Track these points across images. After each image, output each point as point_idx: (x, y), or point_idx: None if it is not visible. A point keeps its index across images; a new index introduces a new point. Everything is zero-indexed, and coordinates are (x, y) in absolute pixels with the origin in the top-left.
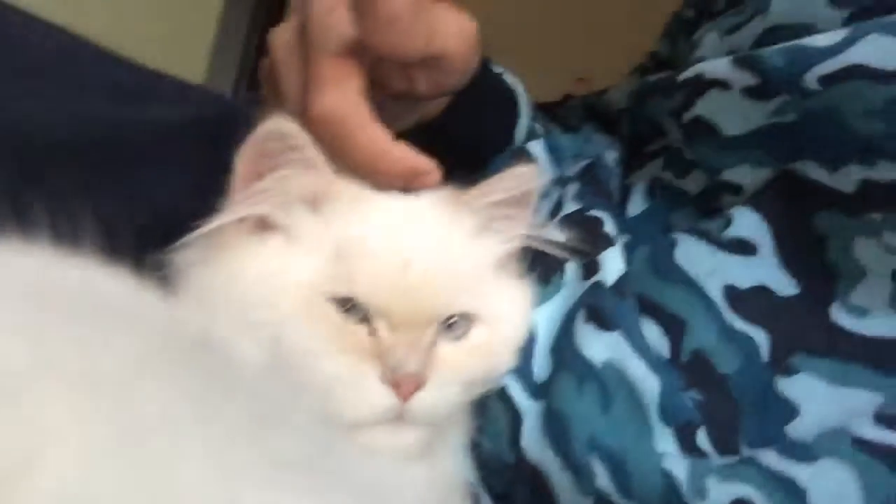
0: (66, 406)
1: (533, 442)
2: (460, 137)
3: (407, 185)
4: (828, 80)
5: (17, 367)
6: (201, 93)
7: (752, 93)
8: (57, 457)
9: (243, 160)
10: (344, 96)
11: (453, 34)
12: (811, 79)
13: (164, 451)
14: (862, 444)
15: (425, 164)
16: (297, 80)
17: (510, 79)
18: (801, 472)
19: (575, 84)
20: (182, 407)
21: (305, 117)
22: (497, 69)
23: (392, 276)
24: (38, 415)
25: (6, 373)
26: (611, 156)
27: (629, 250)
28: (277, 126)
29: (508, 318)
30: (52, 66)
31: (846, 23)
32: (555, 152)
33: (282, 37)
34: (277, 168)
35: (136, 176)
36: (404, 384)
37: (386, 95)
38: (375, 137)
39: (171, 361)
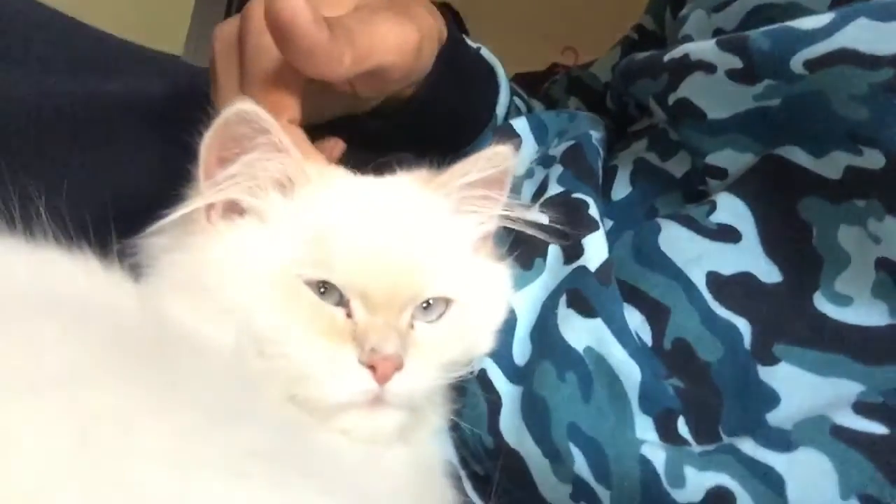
0: (13, 404)
1: (511, 427)
2: (441, 113)
3: None
4: (814, 64)
5: None
6: (177, 65)
7: (737, 76)
8: (8, 452)
9: (210, 144)
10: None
11: (391, 48)
12: (797, 63)
13: (118, 449)
14: (840, 433)
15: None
16: (229, 78)
17: (488, 54)
18: (778, 461)
19: (562, 53)
20: (138, 401)
21: None
22: (474, 45)
23: (368, 259)
24: None
25: None
26: (595, 135)
27: (613, 235)
28: (244, 109)
29: (486, 300)
30: (17, 39)
31: (833, 4)
32: (539, 129)
33: (224, 31)
34: (246, 152)
35: (103, 151)
36: (382, 366)
37: (329, 93)
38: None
39: (130, 352)
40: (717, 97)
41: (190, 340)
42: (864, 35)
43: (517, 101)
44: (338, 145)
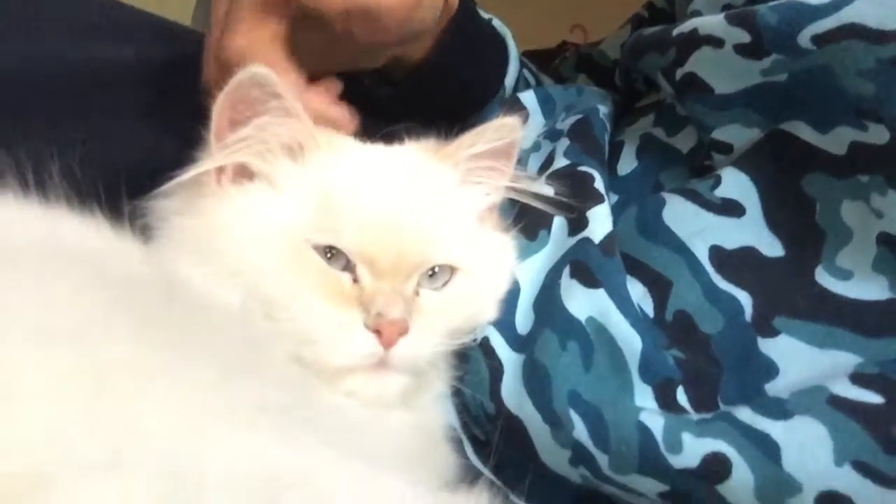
0: (28, 355)
1: (513, 393)
2: (450, 80)
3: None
4: (821, 39)
5: None
6: (186, 33)
7: (744, 51)
8: (27, 398)
9: (222, 107)
10: (256, 40)
11: None
12: (804, 38)
13: (132, 395)
14: (837, 403)
15: (336, 115)
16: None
17: (499, 25)
18: (775, 428)
19: (570, 31)
20: (152, 352)
21: (219, 60)
22: (486, 15)
23: (376, 226)
24: (4, 362)
25: None
26: (603, 110)
27: (618, 209)
28: (256, 73)
29: (490, 270)
30: (28, 7)
31: None
32: (546, 103)
33: None
34: (257, 116)
35: (110, 117)
36: (387, 331)
37: (334, 37)
38: (285, 81)
39: (143, 309)
40: (724, 72)
41: (199, 300)
42: (871, 10)
43: (526, 74)
44: (346, 125)
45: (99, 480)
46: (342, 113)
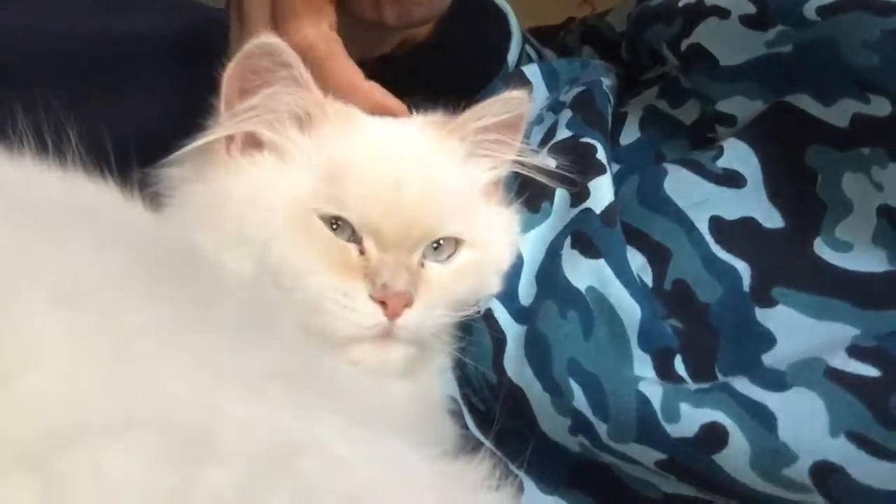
0: (49, 315)
1: (515, 363)
2: (452, 57)
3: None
4: (826, 10)
5: (2, 278)
6: (197, 5)
7: (750, 21)
8: (48, 360)
9: (231, 76)
10: (318, 30)
11: None
12: (810, 9)
13: (149, 358)
14: (833, 375)
15: (393, 104)
16: (261, 4)
17: (500, 2)
18: (771, 399)
19: (578, 6)
20: (168, 317)
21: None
22: None
23: (382, 197)
24: (27, 322)
25: None
26: (606, 82)
27: (620, 179)
28: (266, 43)
29: (494, 243)
30: None
31: None
32: (551, 77)
33: None
34: (266, 85)
35: (123, 88)
36: (392, 302)
37: (357, 24)
38: (346, 72)
39: (158, 273)
40: (729, 43)
41: (211, 266)
42: None
43: (529, 49)
44: (402, 113)
45: (117, 441)
46: (398, 102)
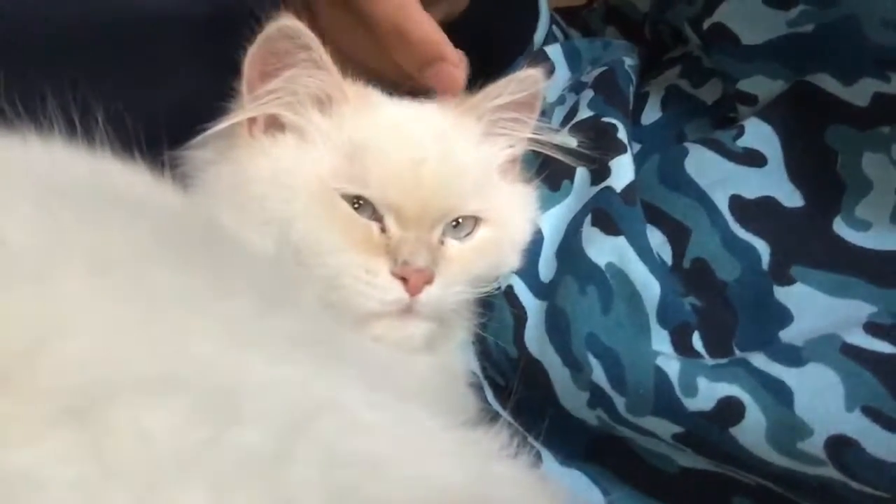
0: (85, 283)
1: (535, 338)
2: (480, 35)
3: (433, 70)
4: None
5: (36, 249)
6: None
7: (771, 1)
8: (86, 323)
9: (253, 59)
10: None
11: None
12: None
13: (180, 322)
14: (850, 351)
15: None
16: None
17: None
18: (788, 374)
19: None
20: (195, 286)
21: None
22: None
23: (403, 175)
24: (60, 291)
25: (26, 254)
26: (628, 62)
27: (641, 158)
28: (286, 25)
29: (513, 220)
30: None
31: None
32: (572, 57)
33: None
34: (287, 68)
35: (150, 67)
36: (413, 279)
37: None
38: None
39: (184, 245)
40: (751, 22)
41: (236, 242)
42: None
43: (555, 30)
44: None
45: (154, 398)
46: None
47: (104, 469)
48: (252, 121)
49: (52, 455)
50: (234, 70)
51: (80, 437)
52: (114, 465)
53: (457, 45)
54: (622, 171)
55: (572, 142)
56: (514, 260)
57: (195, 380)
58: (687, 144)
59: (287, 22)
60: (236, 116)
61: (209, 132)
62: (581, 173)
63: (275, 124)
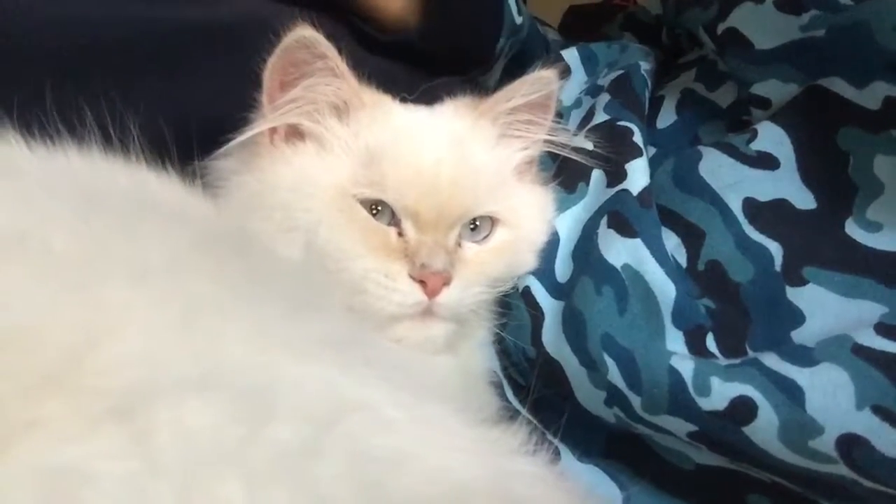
0: (126, 290)
1: (553, 338)
2: (447, 45)
3: None
4: None
5: (77, 257)
6: None
7: (784, 6)
8: (128, 328)
9: (272, 70)
10: None
11: None
12: None
13: (214, 326)
14: (860, 351)
15: None
16: None
17: None
18: (800, 374)
19: None
20: (227, 290)
21: None
22: None
23: (419, 180)
24: (103, 297)
25: (67, 262)
26: (644, 66)
27: (656, 161)
28: (304, 36)
29: (529, 221)
30: None
31: None
32: (589, 61)
33: None
34: (305, 77)
35: (175, 78)
36: (431, 281)
37: None
38: None
39: (217, 252)
40: (764, 27)
41: (264, 249)
42: None
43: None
44: None
45: (194, 397)
46: None
47: (149, 464)
48: (273, 130)
49: (101, 451)
50: (255, 80)
51: (126, 435)
52: (157, 460)
53: (424, 53)
54: (638, 174)
55: (588, 144)
56: (530, 261)
57: (231, 380)
58: (701, 148)
59: (304, 32)
60: (258, 127)
61: (232, 143)
62: (596, 175)
63: (295, 133)
